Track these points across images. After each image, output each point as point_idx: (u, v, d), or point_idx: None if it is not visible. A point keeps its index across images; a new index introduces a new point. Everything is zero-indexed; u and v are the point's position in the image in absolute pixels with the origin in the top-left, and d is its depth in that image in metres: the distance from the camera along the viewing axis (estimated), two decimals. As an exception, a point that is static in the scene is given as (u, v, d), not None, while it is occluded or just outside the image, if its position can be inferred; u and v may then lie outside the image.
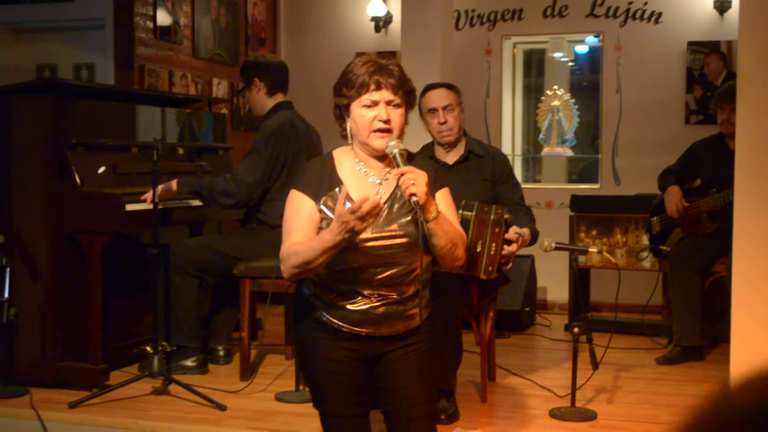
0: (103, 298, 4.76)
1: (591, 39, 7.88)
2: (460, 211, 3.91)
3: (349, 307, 2.84)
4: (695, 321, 5.47)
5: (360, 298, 2.83)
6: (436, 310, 3.05)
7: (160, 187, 4.71)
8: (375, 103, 2.78)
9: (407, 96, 2.85)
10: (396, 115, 2.79)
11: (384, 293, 2.81)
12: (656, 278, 6.08)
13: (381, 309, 2.82)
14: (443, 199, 2.84)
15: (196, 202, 5.10)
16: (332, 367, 2.90)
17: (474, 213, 3.92)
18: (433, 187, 2.75)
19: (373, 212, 2.56)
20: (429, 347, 2.93)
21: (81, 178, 4.74)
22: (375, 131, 2.78)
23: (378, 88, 2.77)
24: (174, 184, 4.91)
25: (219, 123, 6.22)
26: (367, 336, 2.85)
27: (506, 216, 4.04)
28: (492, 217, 3.95)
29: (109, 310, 4.90)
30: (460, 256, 2.79)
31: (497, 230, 3.95)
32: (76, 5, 6.50)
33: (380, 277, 2.79)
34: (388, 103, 2.78)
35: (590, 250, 4.52)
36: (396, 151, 2.75)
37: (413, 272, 2.79)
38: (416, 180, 2.63)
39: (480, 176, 4.56)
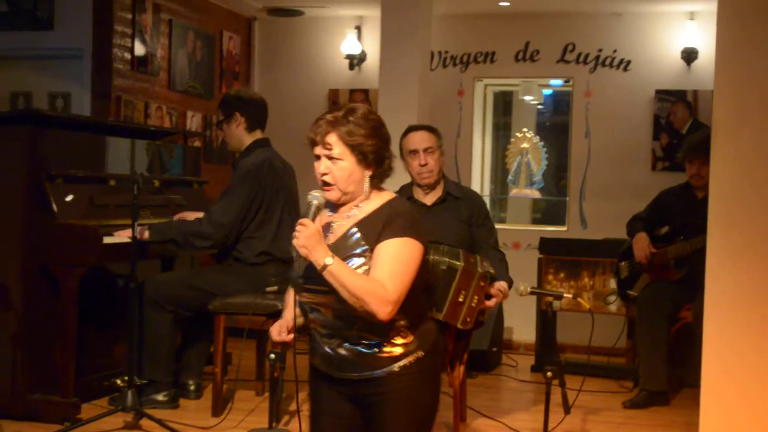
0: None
1: (557, 82, 8.03)
2: (447, 260, 3.97)
3: (319, 347, 2.87)
4: (662, 366, 5.56)
5: (322, 338, 2.84)
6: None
7: (127, 233, 4.72)
8: (318, 157, 2.84)
9: (354, 149, 2.77)
10: (335, 168, 2.79)
11: (338, 334, 2.79)
12: (623, 322, 6.18)
13: (340, 350, 2.80)
14: (388, 248, 2.72)
15: None
16: (320, 407, 2.93)
17: (462, 263, 3.98)
18: (384, 232, 2.72)
19: (297, 230, 2.67)
20: (410, 393, 2.82)
21: (58, 209, 4.72)
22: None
23: (314, 143, 2.83)
24: (146, 234, 4.86)
25: (192, 156, 6.23)
26: (331, 377, 2.86)
27: (491, 270, 4.11)
28: (479, 270, 4.02)
29: (81, 342, 4.86)
30: (371, 311, 2.65)
31: (482, 284, 4.02)
32: (54, 34, 6.49)
33: (328, 318, 2.79)
34: (327, 156, 2.81)
35: (565, 295, 4.59)
36: (314, 202, 2.78)
37: (357, 316, 2.71)
38: (299, 233, 2.67)
39: (457, 218, 4.63)
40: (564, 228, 7.60)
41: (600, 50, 7.48)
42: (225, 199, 5.06)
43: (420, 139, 4.58)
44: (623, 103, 7.43)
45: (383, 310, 2.66)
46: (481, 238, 4.66)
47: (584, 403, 5.45)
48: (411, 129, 4.69)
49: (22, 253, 4.74)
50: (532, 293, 4.62)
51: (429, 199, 4.64)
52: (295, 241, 2.68)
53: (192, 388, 5.32)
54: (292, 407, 5.25)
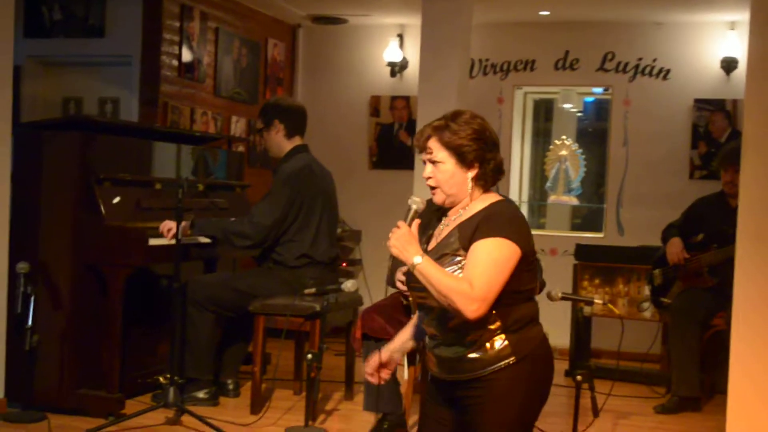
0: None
1: (597, 89, 8.09)
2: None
3: (428, 347, 3.00)
4: (694, 372, 5.63)
5: (430, 340, 2.97)
6: None
7: (172, 224, 4.90)
8: (424, 163, 2.98)
9: (453, 151, 2.88)
10: (437, 171, 2.91)
11: (439, 335, 2.90)
12: (656, 328, 6.25)
13: (440, 351, 2.91)
14: (479, 248, 2.78)
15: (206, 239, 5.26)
16: (424, 399, 3.11)
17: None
18: (478, 233, 2.79)
19: (393, 231, 2.82)
20: (498, 399, 2.82)
21: (106, 211, 4.91)
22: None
23: (419, 150, 2.97)
24: (187, 227, 5.03)
25: (235, 161, 6.41)
26: (437, 378, 2.97)
27: None
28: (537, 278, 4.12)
29: (126, 340, 5.06)
30: (458, 309, 2.72)
31: None
32: (105, 41, 6.72)
33: (429, 318, 2.92)
34: (429, 160, 2.94)
35: (596, 301, 4.68)
36: (412, 207, 2.91)
37: (452, 316, 2.80)
38: (392, 234, 2.82)
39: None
40: (601, 235, 7.66)
41: (640, 59, 7.53)
42: (266, 201, 5.22)
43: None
44: (662, 111, 7.48)
45: (468, 308, 2.70)
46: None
47: (616, 407, 5.54)
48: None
49: (72, 253, 4.94)
50: (563, 299, 4.73)
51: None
52: (388, 242, 2.81)
53: (231, 386, 5.49)
54: (329, 406, 5.40)
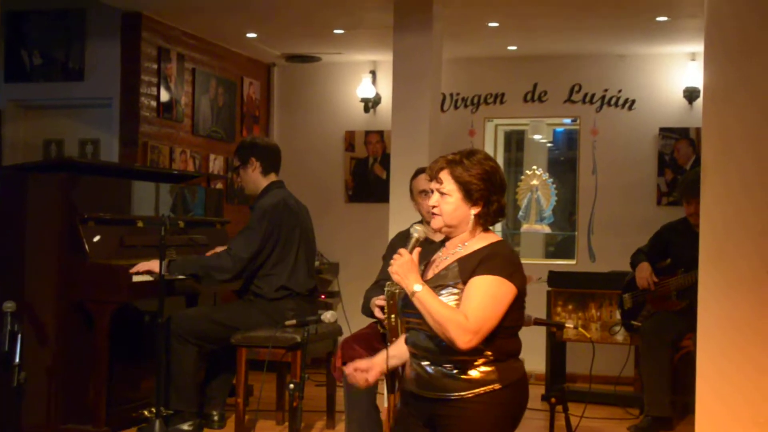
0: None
1: (567, 120, 8.31)
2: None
3: (410, 367, 3.13)
4: (665, 393, 5.78)
5: (415, 358, 3.10)
6: None
7: (147, 267, 5.04)
8: (432, 191, 3.14)
9: (462, 186, 3.02)
10: (442, 202, 3.06)
11: (431, 353, 3.01)
12: (628, 351, 6.41)
13: (426, 367, 3.02)
14: (478, 283, 2.92)
15: None
16: (398, 418, 3.23)
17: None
18: (478, 269, 2.93)
19: (395, 258, 2.96)
20: (479, 422, 2.94)
21: (90, 250, 5.04)
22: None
23: (430, 178, 3.14)
24: (165, 270, 5.13)
25: (214, 197, 6.55)
26: (417, 395, 3.08)
27: None
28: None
29: (112, 375, 5.16)
30: (451, 338, 2.85)
31: None
32: (85, 84, 6.88)
33: (422, 339, 3.04)
34: (437, 190, 3.09)
35: (567, 325, 4.83)
36: (414, 234, 3.07)
37: (438, 338, 2.93)
38: (395, 261, 2.97)
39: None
40: (573, 261, 7.84)
41: (606, 90, 7.77)
42: (244, 235, 5.36)
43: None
44: (628, 140, 7.70)
45: (462, 339, 2.85)
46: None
47: (592, 428, 5.68)
48: (420, 170, 4.95)
49: (58, 291, 5.06)
50: (536, 323, 4.87)
51: (438, 236, 4.90)
52: (390, 269, 2.96)
53: (216, 418, 5.58)
54: (311, 435, 5.51)
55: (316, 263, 7.30)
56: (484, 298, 2.91)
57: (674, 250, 5.97)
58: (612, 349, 6.63)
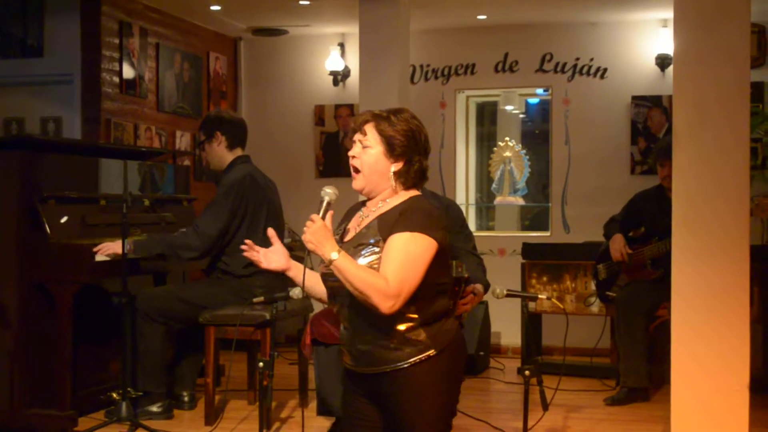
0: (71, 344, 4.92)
1: (540, 90, 8.22)
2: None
3: (342, 342, 3.02)
4: (641, 363, 5.74)
5: (345, 332, 2.98)
6: None
7: (112, 249, 4.90)
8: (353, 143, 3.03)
9: (385, 140, 2.93)
10: (363, 154, 2.95)
11: (355, 327, 2.91)
12: (604, 323, 6.36)
13: (357, 344, 2.92)
14: (396, 242, 2.81)
15: None
16: (345, 399, 3.09)
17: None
18: (396, 226, 2.82)
19: (307, 225, 2.83)
20: (421, 391, 2.87)
21: (51, 229, 4.91)
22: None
23: (354, 130, 3.02)
24: (129, 251, 5.00)
25: (182, 175, 6.42)
26: (354, 372, 2.97)
27: (465, 274, 4.27)
28: (452, 274, 4.17)
29: (77, 357, 5.04)
30: (374, 304, 2.75)
31: (455, 288, 4.18)
32: (44, 60, 6.70)
33: (342, 309, 2.94)
34: (359, 141, 2.98)
35: (540, 296, 4.76)
36: (325, 198, 2.94)
37: (365, 310, 2.82)
38: (307, 228, 2.83)
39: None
40: (548, 233, 7.77)
41: (577, 59, 7.67)
42: (210, 211, 5.24)
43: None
44: (601, 109, 7.62)
45: (384, 304, 2.74)
46: (459, 245, 4.82)
47: (567, 401, 5.63)
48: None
49: (18, 272, 4.92)
50: (508, 296, 4.79)
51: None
52: (303, 237, 2.83)
53: (186, 399, 5.49)
54: (284, 414, 5.43)
55: (287, 240, 7.20)
56: (405, 258, 2.80)
57: (648, 218, 5.91)
58: (587, 320, 6.59)
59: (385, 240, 2.84)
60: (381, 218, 2.91)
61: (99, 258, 4.92)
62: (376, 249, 2.85)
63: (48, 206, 4.96)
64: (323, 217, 2.86)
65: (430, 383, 2.87)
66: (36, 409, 4.93)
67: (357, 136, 2.99)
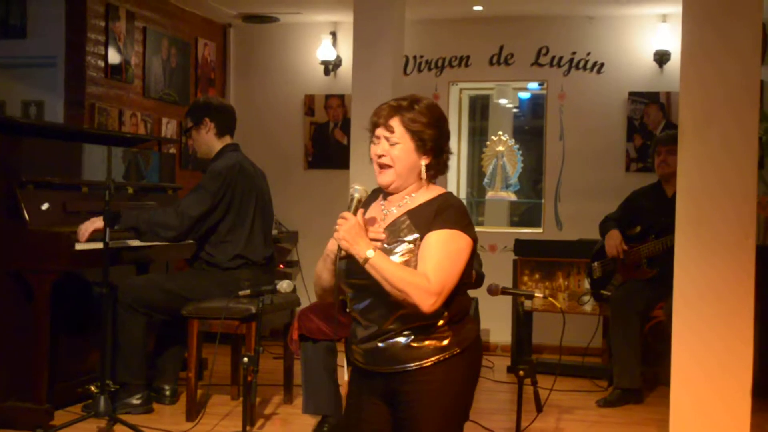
0: (49, 336, 4.74)
1: (534, 85, 8.08)
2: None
3: (355, 340, 2.88)
4: (635, 363, 5.60)
5: (361, 329, 2.85)
6: None
7: (93, 225, 4.72)
8: (377, 139, 2.87)
9: (414, 135, 2.81)
10: (392, 150, 2.81)
11: (379, 326, 2.79)
12: (597, 322, 6.23)
13: (379, 343, 2.80)
14: (436, 240, 2.73)
15: (136, 242, 5.08)
16: (350, 400, 2.96)
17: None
18: (434, 223, 2.74)
19: (338, 223, 2.70)
20: (442, 389, 2.78)
21: (30, 216, 4.72)
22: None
23: (375, 126, 2.86)
24: (100, 223, 4.77)
25: (168, 163, 6.25)
26: (374, 372, 2.85)
27: None
28: None
29: (53, 349, 4.86)
30: (414, 303, 2.66)
31: None
32: (27, 42, 6.50)
33: (363, 307, 2.81)
34: (386, 138, 2.83)
35: (536, 295, 4.62)
36: (355, 195, 2.81)
37: (397, 306, 2.73)
38: (340, 226, 2.71)
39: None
40: (540, 230, 7.64)
41: (574, 53, 7.53)
42: (194, 193, 5.08)
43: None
44: (597, 105, 7.48)
45: (426, 302, 2.66)
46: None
47: (559, 402, 5.50)
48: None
49: (-5, 259, 4.73)
50: (504, 293, 4.66)
51: None
52: (335, 235, 2.71)
53: (168, 393, 5.33)
54: (268, 410, 5.27)
55: (275, 232, 7.05)
56: (446, 256, 2.73)
57: (645, 215, 5.78)
58: (580, 319, 6.44)
59: (422, 237, 2.75)
60: (412, 214, 2.81)
61: (80, 246, 4.74)
62: (412, 247, 2.76)
63: (27, 192, 4.77)
64: (354, 214, 2.75)
65: (453, 382, 2.80)
66: (11, 402, 4.75)
67: (382, 132, 2.83)
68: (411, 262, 2.74)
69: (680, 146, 4.27)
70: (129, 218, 4.92)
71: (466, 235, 2.77)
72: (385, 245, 2.77)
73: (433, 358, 2.76)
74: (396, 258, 2.75)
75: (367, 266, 2.68)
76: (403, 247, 2.76)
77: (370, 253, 2.68)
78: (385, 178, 2.85)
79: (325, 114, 7.99)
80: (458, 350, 2.79)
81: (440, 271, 2.70)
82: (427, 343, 2.77)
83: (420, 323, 2.75)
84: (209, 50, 7.91)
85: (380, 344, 2.80)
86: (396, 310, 2.74)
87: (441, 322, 2.78)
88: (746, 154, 4.17)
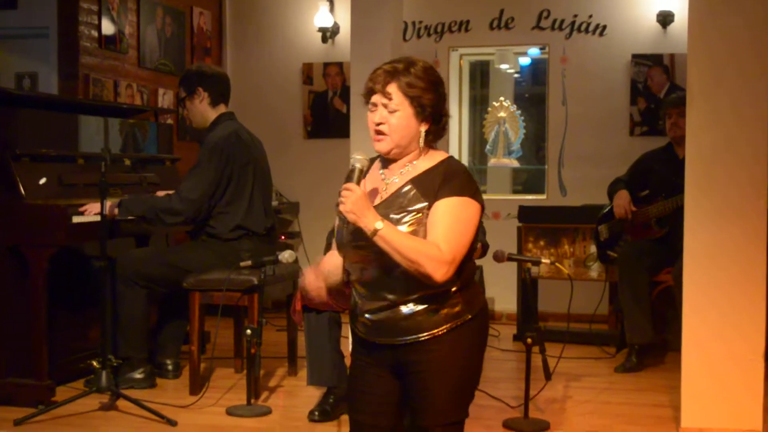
0: (48, 311, 4.66)
1: (534, 51, 7.96)
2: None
3: (358, 312, 2.80)
4: (646, 319, 5.55)
5: (366, 301, 2.76)
6: None
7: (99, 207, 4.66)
8: (373, 107, 2.75)
9: (413, 100, 2.69)
10: (391, 118, 2.70)
11: (385, 297, 2.71)
12: (603, 288, 6.15)
13: (386, 313, 2.72)
14: (445, 207, 2.64)
15: None
16: (354, 373, 2.88)
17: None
18: (442, 190, 2.65)
19: (343, 195, 2.60)
20: (455, 356, 2.71)
21: (26, 189, 4.63)
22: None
23: (371, 92, 2.74)
24: (115, 211, 4.82)
25: (165, 134, 6.15)
26: (373, 344, 2.77)
27: None
28: None
29: (54, 324, 4.79)
30: (426, 273, 2.58)
31: None
32: (18, 13, 6.38)
33: (369, 278, 2.73)
34: (384, 105, 2.72)
35: (543, 260, 4.55)
36: (357, 165, 2.71)
37: (408, 277, 2.64)
38: (346, 199, 2.61)
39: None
40: (543, 196, 7.54)
41: (575, 16, 7.39)
42: (193, 174, 4.99)
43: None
44: (600, 68, 7.35)
45: (439, 272, 2.58)
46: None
47: (567, 369, 5.44)
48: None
49: (-11, 234, 4.65)
50: (510, 260, 4.60)
51: None
52: (341, 207, 2.61)
53: (170, 367, 5.27)
54: (272, 383, 5.21)
55: (275, 203, 6.97)
56: (456, 223, 2.64)
57: (655, 177, 5.71)
58: (585, 286, 6.36)
59: (431, 205, 2.66)
60: (416, 182, 2.71)
61: (77, 219, 4.66)
62: (420, 216, 2.67)
63: (22, 164, 4.68)
64: (358, 185, 2.64)
65: (460, 350, 2.72)
66: (12, 378, 4.67)
67: (379, 99, 2.71)
68: (419, 232, 2.66)
69: (688, 109, 4.18)
70: (134, 205, 4.89)
71: (475, 202, 2.69)
72: (392, 215, 2.68)
73: (445, 326, 2.69)
74: (404, 228, 2.66)
75: (376, 238, 2.59)
76: (410, 217, 2.67)
77: (379, 224, 2.58)
78: (383, 146, 2.74)
79: (323, 82, 7.87)
80: (469, 316, 2.72)
81: (452, 239, 2.61)
82: (440, 311, 2.69)
83: (432, 291, 2.67)
84: (205, 19, 7.78)
85: (389, 315, 2.72)
86: (405, 280, 2.65)
87: (454, 289, 2.70)
88: (754, 113, 4.09)
